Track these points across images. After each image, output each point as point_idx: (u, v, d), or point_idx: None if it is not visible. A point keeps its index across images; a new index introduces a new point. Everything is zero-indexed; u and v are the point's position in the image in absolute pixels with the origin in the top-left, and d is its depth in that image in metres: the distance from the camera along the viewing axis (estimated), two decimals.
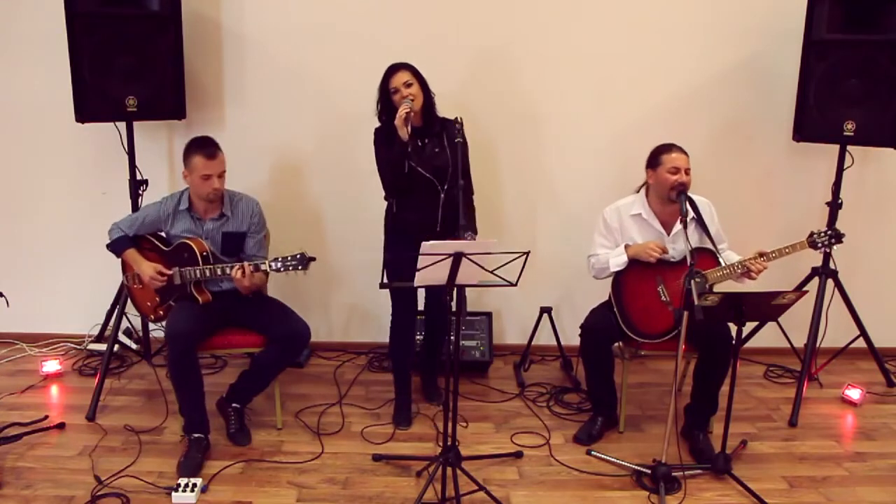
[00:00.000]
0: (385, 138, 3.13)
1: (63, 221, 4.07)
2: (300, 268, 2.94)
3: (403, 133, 3.00)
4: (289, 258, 2.95)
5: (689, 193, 3.16)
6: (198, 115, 3.86)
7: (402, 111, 2.99)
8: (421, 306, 3.53)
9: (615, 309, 3.16)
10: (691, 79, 3.92)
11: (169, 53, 3.50)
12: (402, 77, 3.10)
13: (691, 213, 3.12)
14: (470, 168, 3.29)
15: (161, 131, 3.92)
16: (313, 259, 2.96)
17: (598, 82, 3.91)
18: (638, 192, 3.29)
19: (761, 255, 3.06)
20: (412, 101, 3.03)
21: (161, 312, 3.22)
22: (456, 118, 3.12)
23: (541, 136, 3.99)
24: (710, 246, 3.11)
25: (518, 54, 3.88)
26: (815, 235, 3.11)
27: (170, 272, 3.14)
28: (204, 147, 3.08)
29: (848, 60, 3.42)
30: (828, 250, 3.15)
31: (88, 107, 3.41)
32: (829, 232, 3.12)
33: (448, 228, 3.13)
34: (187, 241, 3.12)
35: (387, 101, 3.15)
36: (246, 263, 3.01)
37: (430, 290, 3.44)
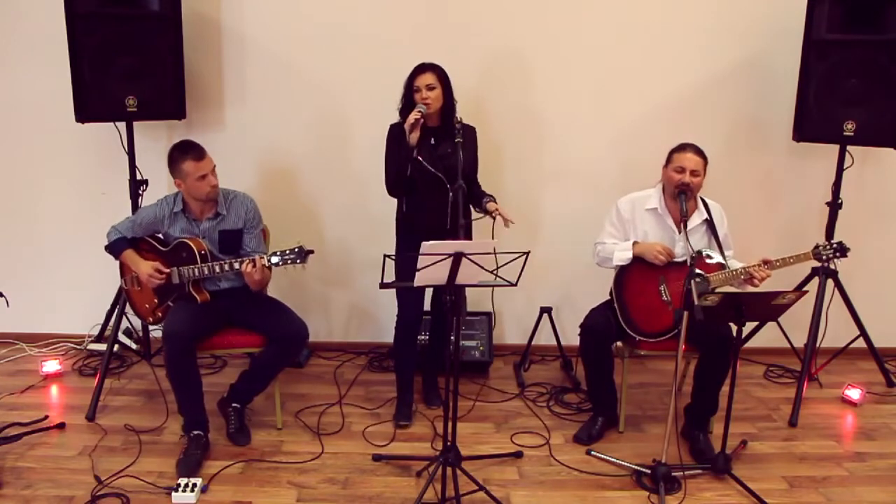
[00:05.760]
0: (398, 136, 3.14)
1: (63, 221, 4.07)
2: (299, 261, 2.93)
3: (409, 138, 3.02)
4: (287, 252, 2.94)
5: (705, 197, 3.18)
6: (198, 115, 3.86)
7: (411, 116, 3.00)
8: (427, 306, 3.53)
9: (615, 305, 3.16)
10: (692, 79, 3.92)
11: (169, 53, 3.50)
12: (427, 79, 3.10)
13: (705, 215, 3.14)
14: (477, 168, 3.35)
15: (161, 131, 3.92)
16: (311, 252, 2.94)
17: (598, 83, 3.91)
18: (656, 186, 3.28)
19: (765, 262, 3.06)
20: (426, 106, 3.04)
21: (160, 314, 3.22)
22: (456, 118, 3.13)
23: (542, 136, 3.99)
24: (716, 250, 3.11)
25: (521, 55, 3.87)
26: (820, 248, 3.15)
27: (167, 270, 3.14)
28: (189, 150, 3.08)
29: (848, 60, 3.42)
30: (831, 265, 3.17)
31: (88, 107, 3.41)
32: (834, 245, 3.14)
33: (457, 228, 3.13)
34: (186, 241, 3.12)
35: (409, 98, 3.15)
36: (257, 257, 3.00)
37: (438, 289, 3.44)
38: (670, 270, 3.14)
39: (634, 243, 3.19)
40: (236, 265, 3.02)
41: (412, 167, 3.08)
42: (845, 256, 3.18)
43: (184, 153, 3.07)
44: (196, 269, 3.09)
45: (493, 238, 3.01)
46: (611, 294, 3.21)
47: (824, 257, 3.16)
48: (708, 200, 3.23)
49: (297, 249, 2.93)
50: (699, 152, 3.14)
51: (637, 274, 3.17)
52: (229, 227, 3.22)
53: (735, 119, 3.97)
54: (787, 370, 4.03)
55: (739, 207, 3.90)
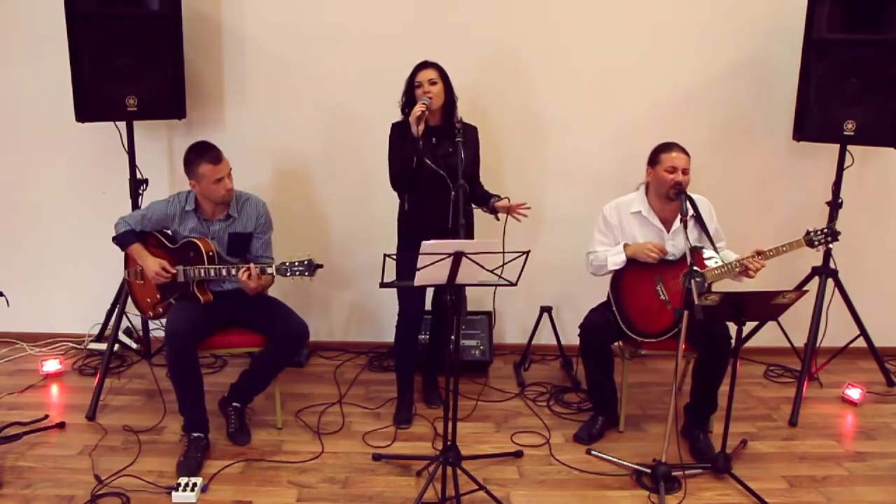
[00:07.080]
0: (401, 133, 3.16)
1: (63, 221, 4.07)
2: (307, 274, 2.93)
3: (416, 129, 3.04)
4: (296, 263, 2.94)
5: (688, 192, 3.17)
6: (198, 115, 3.86)
7: (417, 108, 3.03)
8: (428, 305, 3.53)
9: (614, 308, 3.16)
10: (692, 78, 3.92)
11: (169, 53, 3.50)
12: (429, 74, 3.14)
13: (691, 212, 3.13)
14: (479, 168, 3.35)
15: (161, 131, 3.92)
16: (321, 266, 2.95)
17: (598, 82, 3.91)
18: (638, 189, 3.29)
19: (759, 253, 3.06)
20: (430, 99, 3.08)
21: (160, 310, 3.22)
22: (457, 117, 3.13)
23: (543, 135, 3.99)
24: (707, 244, 3.11)
25: (521, 55, 3.88)
26: (811, 233, 3.13)
27: (174, 270, 3.14)
28: (207, 153, 3.07)
29: (848, 60, 3.42)
30: (825, 248, 3.17)
31: (88, 107, 3.41)
32: (825, 230, 3.13)
33: (458, 227, 3.13)
34: (194, 241, 3.12)
35: (410, 96, 3.19)
36: (253, 266, 3.01)
37: (438, 288, 3.44)
38: (666, 270, 3.14)
39: (625, 246, 3.19)
40: (233, 271, 3.02)
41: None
42: (836, 240, 3.16)
43: (200, 155, 3.06)
44: (202, 270, 3.08)
45: (503, 237, 2.99)
46: (608, 298, 3.21)
47: (816, 242, 3.14)
48: (693, 195, 3.21)
49: (306, 262, 2.93)
50: (685, 150, 3.14)
51: (632, 276, 3.17)
52: (239, 230, 3.22)
53: (735, 118, 3.97)
54: (787, 370, 4.03)
55: (739, 207, 3.91)
